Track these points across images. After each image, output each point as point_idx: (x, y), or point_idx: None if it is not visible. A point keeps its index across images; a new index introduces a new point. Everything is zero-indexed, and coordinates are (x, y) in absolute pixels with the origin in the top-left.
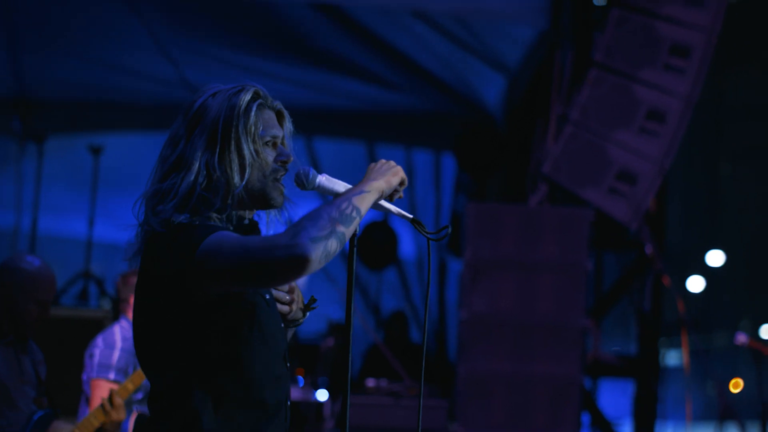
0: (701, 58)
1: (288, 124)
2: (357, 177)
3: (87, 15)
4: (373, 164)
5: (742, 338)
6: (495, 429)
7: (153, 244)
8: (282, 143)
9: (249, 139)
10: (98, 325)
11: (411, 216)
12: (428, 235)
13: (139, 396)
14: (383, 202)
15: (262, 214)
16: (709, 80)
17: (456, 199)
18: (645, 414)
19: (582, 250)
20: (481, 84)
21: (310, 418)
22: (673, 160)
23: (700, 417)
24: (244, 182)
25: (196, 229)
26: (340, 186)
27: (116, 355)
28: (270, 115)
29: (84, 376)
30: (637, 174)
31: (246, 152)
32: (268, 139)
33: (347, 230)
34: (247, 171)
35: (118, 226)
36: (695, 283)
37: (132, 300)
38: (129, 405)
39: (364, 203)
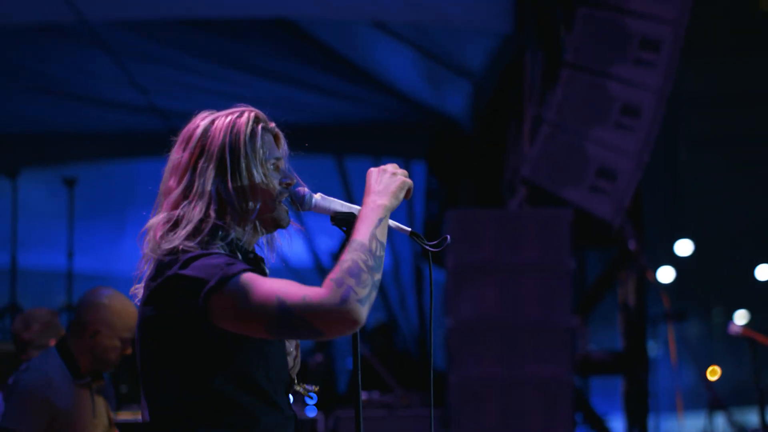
0: (671, 50)
1: (284, 146)
2: (329, 191)
3: (48, 47)
4: (375, 174)
5: (735, 328)
6: None
7: (164, 277)
8: (282, 165)
9: (258, 164)
10: None
11: (409, 229)
12: (428, 247)
13: None
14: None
15: (260, 241)
16: None
17: (428, 207)
18: (636, 408)
19: (564, 250)
20: (447, 91)
21: None
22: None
23: (689, 407)
24: (258, 207)
25: (218, 265)
26: (337, 204)
27: None
28: (270, 138)
29: None
30: (616, 170)
31: (257, 178)
32: (272, 162)
33: (380, 274)
34: (260, 197)
35: (97, 256)
36: (665, 274)
37: (50, 343)
38: None
39: (384, 233)
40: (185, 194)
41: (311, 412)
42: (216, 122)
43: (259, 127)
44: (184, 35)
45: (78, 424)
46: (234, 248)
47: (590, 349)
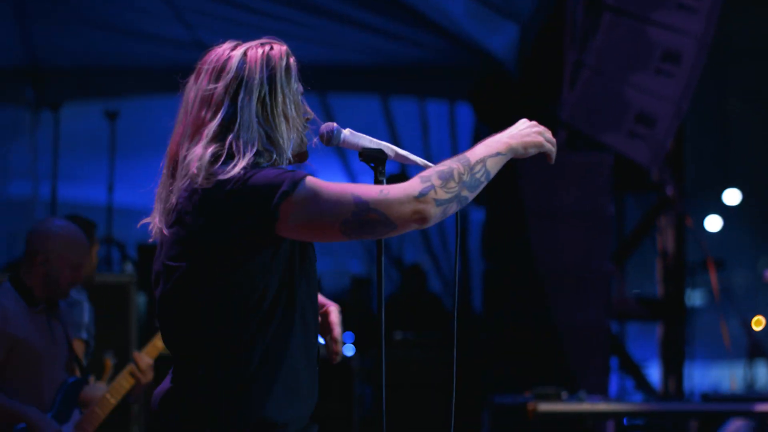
0: None
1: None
2: (372, 132)
3: None
4: (522, 122)
5: None
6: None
7: (225, 192)
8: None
9: (292, 99)
10: (123, 290)
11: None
12: None
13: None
14: (411, 156)
15: None
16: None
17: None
18: (673, 355)
19: (604, 196)
20: (493, 33)
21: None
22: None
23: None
24: (292, 140)
25: (282, 171)
26: (365, 140)
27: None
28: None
29: None
30: (655, 116)
31: (291, 112)
32: (299, 96)
33: (471, 195)
34: (293, 129)
35: (138, 191)
36: (713, 223)
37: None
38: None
39: (496, 167)
40: (229, 127)
41: (348, 351)
42: (249, 54)
43: (292, 60)
44: None
45: (37, 351)
46: None
47: (628, 294)
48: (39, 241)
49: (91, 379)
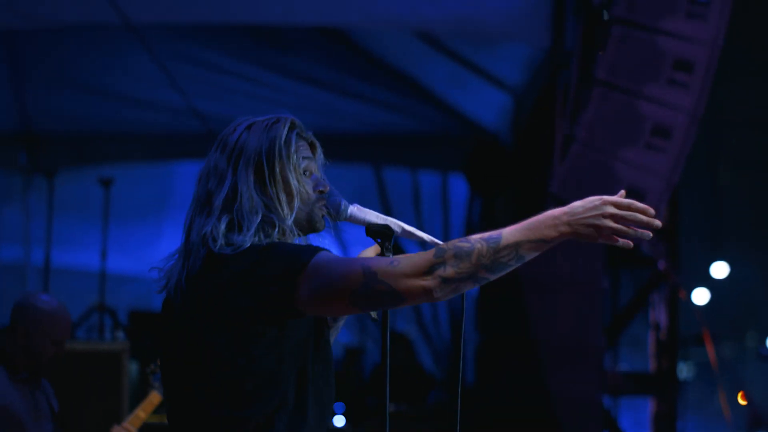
0: (705, 72)
1: (320, 155)
2: (365, 201)
3: (91, 47)
4: (594, 200)
5: None
6: None
7: (242, 267)
8: (316, 172)
9: (292, 169)
10: (116, 359)
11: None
12: None
13: None
14: (417, 232)
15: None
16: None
17: (468, 221)
18: (665, 430)
19: (597, 269)
20: (486, 104)
21: None
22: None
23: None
24: (294, 213)
25: (296, 247)
26: (372, 216)
27: None
28: (305, 145)
29: None
30: (645, 191)
31: (292, 183)
32: (306, 169)
33: (492, 276)
34: (296, 201)
35: (131, 257)
36: (700, 296)
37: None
38: None
39: (534, 252)
40: (234, 197)
41: (339, 422)
42: (252, 127)
43: (294, 133)
44: (226, 39)
45: (19, 418)
46: None
47: (619, 369)
48: (21, 315)
49: None
